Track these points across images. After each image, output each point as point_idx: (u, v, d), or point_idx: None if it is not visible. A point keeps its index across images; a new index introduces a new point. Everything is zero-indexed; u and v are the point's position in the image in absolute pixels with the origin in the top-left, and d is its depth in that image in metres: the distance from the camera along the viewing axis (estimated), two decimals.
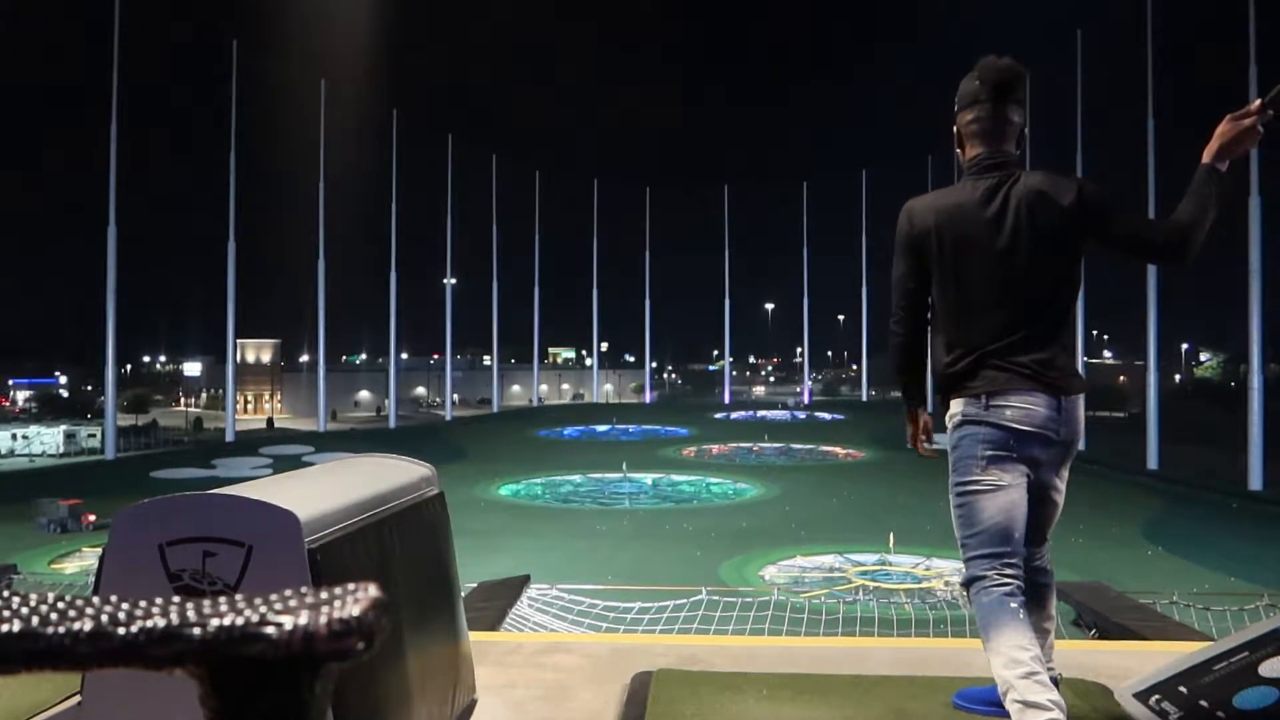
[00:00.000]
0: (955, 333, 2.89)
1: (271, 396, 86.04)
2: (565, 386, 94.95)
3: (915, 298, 2.95)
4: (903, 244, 2.95)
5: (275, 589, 0.49)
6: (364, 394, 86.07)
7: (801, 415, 50.80)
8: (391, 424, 49.68)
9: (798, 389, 69.68)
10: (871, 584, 14.29)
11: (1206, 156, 2.81)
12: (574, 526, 20.87)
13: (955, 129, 3.05)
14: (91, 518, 22.04)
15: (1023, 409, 2.81)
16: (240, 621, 0.46)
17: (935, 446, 3.05)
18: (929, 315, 2.99)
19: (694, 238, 77.30)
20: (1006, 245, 2.83)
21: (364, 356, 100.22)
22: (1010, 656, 2.64)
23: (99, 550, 2.33)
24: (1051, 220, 2.84)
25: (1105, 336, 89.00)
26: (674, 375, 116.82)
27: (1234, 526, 20.73)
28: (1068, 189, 2.88)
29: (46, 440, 47.58)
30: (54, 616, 0.47)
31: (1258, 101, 2.80)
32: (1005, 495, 2.82)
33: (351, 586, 0.49)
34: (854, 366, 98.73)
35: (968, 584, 2.84)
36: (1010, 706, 2.62)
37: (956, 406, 2.89)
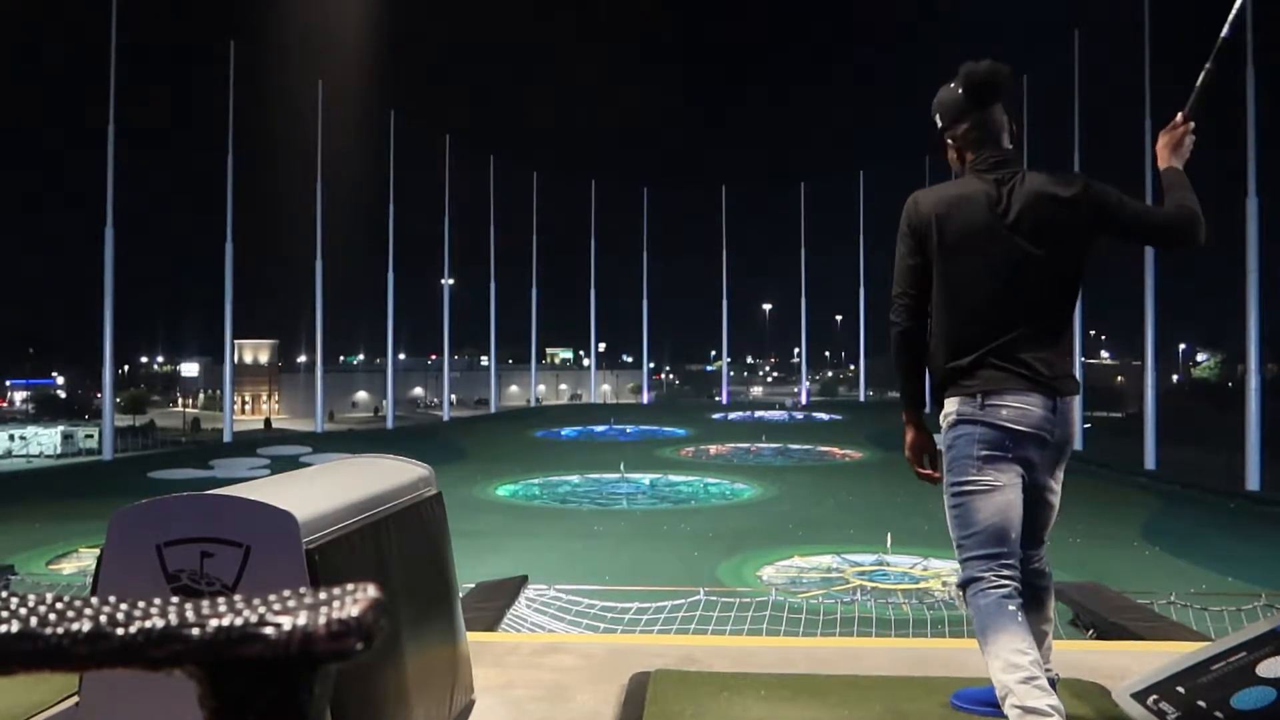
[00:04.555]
0: (953, 329, 2.88)
1: (269, 397, 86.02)
2: (563, 387, 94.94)
3: (918, 287, 2.93)
4: (906, 232, 2.93)
5: (273, 589, 0.49)
6: (362, 394, 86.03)
7: (799, 416, 50.73)
8: (389, 424, 49.57)
9: (795, 389, 69.64)
10: (869, 584, 14.29)
11: (1162, 162, 2.96)
12: (572, 527, 20.84)
13: (949, 141, 3.02)
14: None
15: (1018, 409, 2.79)
16: (239, 622, 0.46)
17: (932, 472, 3.02)
18: (929, 309, 2.98)
19: (692, 238, 77.24)
20: (1009, 243, 2.83)
21: (361, 357, 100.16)
22: (1008, 660, 2.63)
23: (96, 551, 2.33)
24: (1057, 219, 2.84)
25: (1102, 337, 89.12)
26: (672, 376, 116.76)
27: (1231, 527, 20.73)
28: (1072, 184, 2.88)
29: (44, 441, 47.46)
30: (53, 617, 0.47)
31: (1180, 114, 2.99)
32: (1001, 495, 2.80)
33: (350, 587, 0.49)
34: (851, 367, 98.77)
35: (964, 585, 2.82)
36: (1009, 711, 2.61)
37: (951, 405, 2.87)
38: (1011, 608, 2.73)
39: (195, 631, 0.46)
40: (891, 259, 3.02)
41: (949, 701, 3.16)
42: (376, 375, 75.83)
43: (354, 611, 0.47)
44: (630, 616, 7.97)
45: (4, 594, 0.49)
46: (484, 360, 71.97)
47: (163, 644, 0.46)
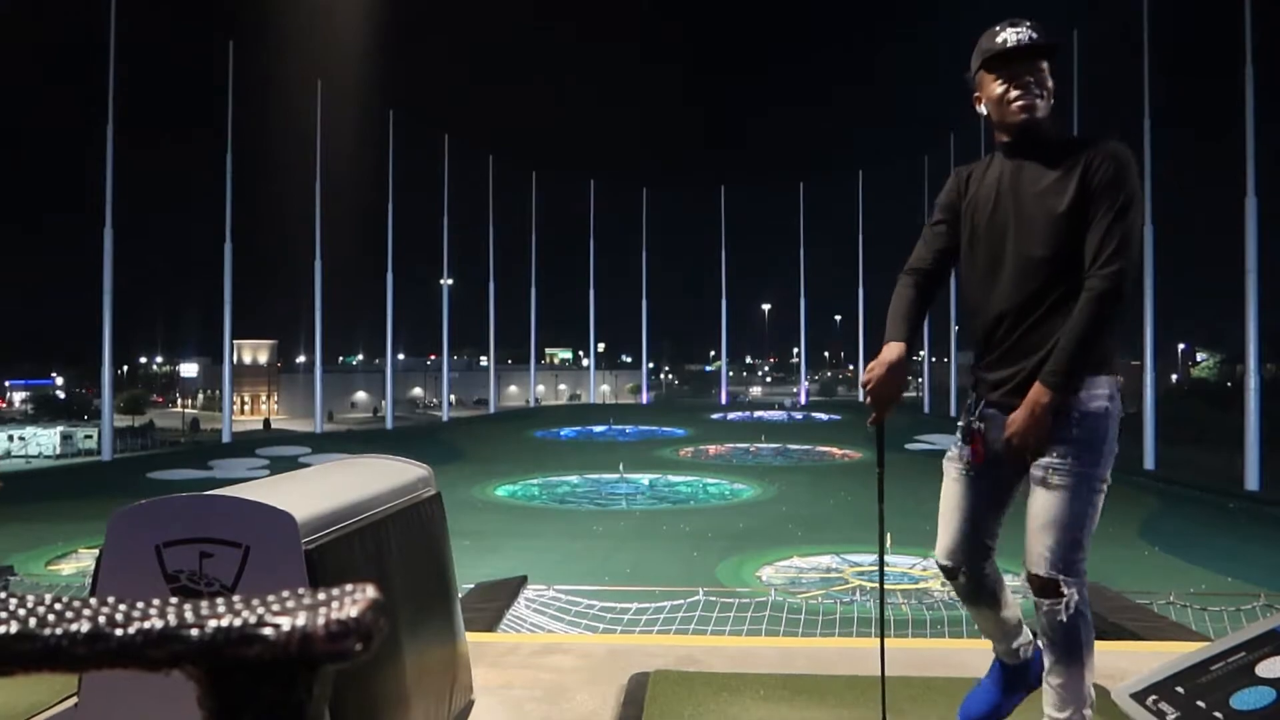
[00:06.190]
0: None
1: (268, 397, 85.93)
2: (562, 387, 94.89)
3: None
4: (1142, 197, 2.59)
5: (272, 590, 0.49)
6: (361, 395, 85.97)
7: (798, 416, 50.81)
8: (388, 425, 49.60)
9: (794, 389, 69.68)
10: (868, 584, 14.29)
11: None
12: (571, 527, 20.86)
13: (1045, 76, 2.72)
14: None
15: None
16: (238, 623, 0.46)
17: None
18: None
19: (691, 238, 77.23)
20: None
21: (361, 357, 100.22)
22: (1091, 678, 2.54)
23: (96, 551, 2.33)
24: None
25: None
26: (671, 376, 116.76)
27: (1231, 527, 20.77)
28: None
29: (43, 441, 47.43)
30: (51, 618, 0.47)
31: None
32: None
33: (349, 587, 0.49)
34: (850, 367, 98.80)
35: (1082, 590, 2.52)
36: (1082, 715, 2.53)
37: (1104, 386, 2.57)
38: None
39: (194, 632, 0.46)
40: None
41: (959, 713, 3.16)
42: (376, 375, 75.88)
43: (353, 612, 0.47)
44: (629, 617, 7.98)
45: (3, 594, 0.49)
46: (483, 360, 71.97)
47: (161, 645, 0.46)
